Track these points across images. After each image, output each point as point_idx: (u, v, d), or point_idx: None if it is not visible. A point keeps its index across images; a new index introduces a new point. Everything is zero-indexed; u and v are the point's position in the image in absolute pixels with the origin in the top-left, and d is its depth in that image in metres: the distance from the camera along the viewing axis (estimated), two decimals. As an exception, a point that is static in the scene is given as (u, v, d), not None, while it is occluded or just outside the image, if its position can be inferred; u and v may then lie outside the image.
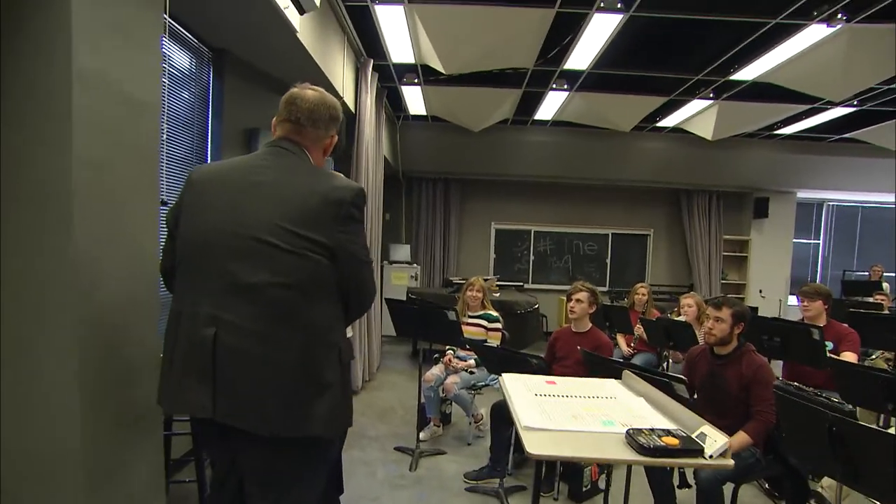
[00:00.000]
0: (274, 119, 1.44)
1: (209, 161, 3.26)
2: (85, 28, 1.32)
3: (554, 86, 5.47)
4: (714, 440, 1.22)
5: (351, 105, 4.65)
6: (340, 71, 4.21)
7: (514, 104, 6.24)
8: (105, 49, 1.41)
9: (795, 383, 3.08)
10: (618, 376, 1.91)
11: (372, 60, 4.75)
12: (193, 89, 3.12)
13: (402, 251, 7.81)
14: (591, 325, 3.27)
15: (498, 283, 7.34)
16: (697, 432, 1.27)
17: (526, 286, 8.04)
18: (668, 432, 1.27)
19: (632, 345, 4.61)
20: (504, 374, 1.84)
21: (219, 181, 1.34)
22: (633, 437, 1.24)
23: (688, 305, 4.19)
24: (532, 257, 8.39)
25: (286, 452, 1.27)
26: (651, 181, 7.90)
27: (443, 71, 4.68)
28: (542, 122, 7.16)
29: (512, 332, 5.07)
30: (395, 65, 5.06)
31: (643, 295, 4.80)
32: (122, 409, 1.54)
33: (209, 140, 3.30)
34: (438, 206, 8.21)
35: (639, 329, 4.41)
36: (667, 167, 7.70)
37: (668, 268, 8.58)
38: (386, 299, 3.54)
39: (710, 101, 5.71)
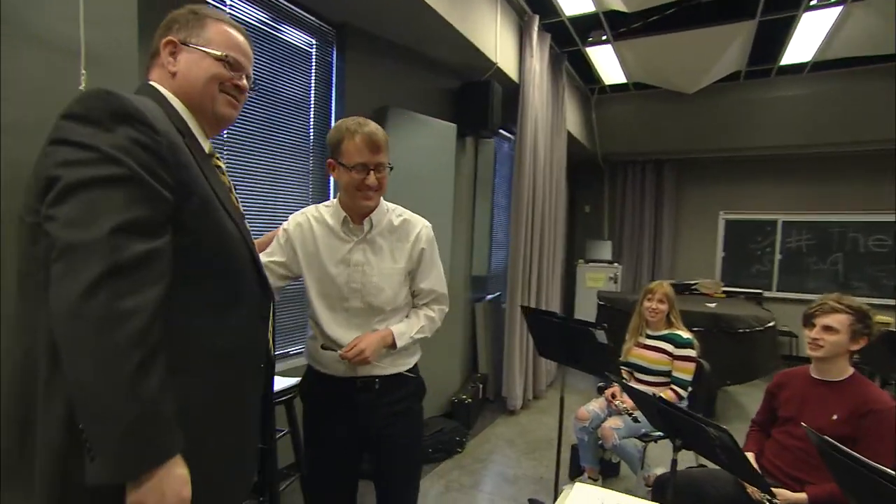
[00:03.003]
0: None
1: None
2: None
3: (813, 1, 3.75)
4: None
5: (513, 74, 3.95)
6: (492, 33, 3.56)
7: (747, 46, 4.60)
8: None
9: None
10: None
11: (538, 17, 3.97)
12: (315, 72, 2.89)
13: (604, 249, 6.73)
14: (851, 370, 1.90)
15: (725, 288, 5.66)
16: None
17: (766, 294, 6.06)
18: None
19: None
20: (577, 485, 0.95)
21: None
22: None
23: None
24: (778, 256, 6.28)
25: None
26: None
27: (624, 9, 3.60)
28: (796, 68, 5.19)
29: (729, 359, 3.70)
30: (570, 18, 4.15)
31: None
32: None
33: (332, 124, 3.04)
34: (648, 194, 6.91)
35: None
36: None
37: None
38: (522, 307, 2.74)
39: None
